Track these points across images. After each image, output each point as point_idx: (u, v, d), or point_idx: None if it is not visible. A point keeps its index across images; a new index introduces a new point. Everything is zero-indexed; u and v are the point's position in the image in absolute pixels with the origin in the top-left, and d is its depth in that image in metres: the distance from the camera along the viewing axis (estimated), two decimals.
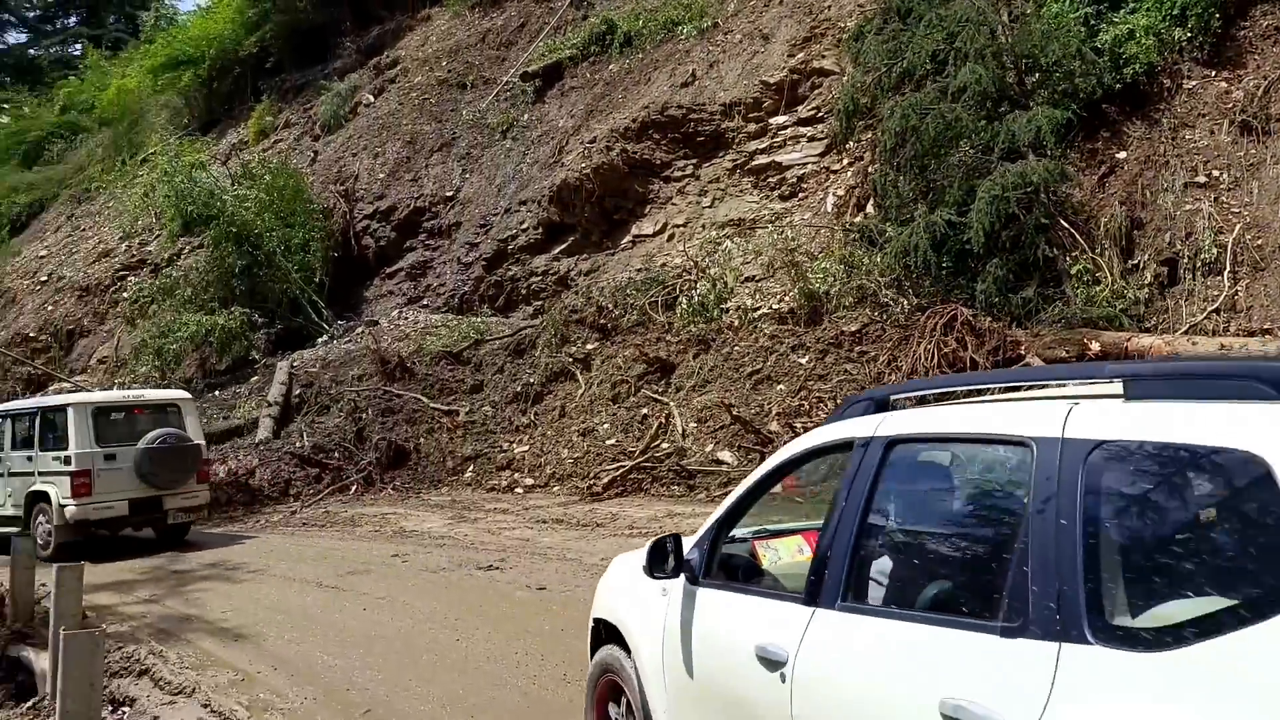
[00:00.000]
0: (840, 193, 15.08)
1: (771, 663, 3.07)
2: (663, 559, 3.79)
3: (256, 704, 6.07)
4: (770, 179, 16.46)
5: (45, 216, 33.09)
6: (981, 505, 2.96)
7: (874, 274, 12.78)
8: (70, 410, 12.34)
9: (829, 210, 15.01)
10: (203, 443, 13.38)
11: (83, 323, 26.25)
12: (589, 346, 15.73)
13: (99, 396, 14.06)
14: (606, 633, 4.44)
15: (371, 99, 25.20)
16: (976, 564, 2.80)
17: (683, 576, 3.75)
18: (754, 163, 16.75)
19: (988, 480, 2.92)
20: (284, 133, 27.35)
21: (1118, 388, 2.48)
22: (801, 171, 16.08)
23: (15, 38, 50.28)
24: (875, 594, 2.99)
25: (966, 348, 10.87)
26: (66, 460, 12.11)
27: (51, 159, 35.96)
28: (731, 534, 3.86)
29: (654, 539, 3.96)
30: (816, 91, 16.29)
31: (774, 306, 14.02)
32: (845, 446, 3.24)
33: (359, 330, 19.96)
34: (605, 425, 14.06)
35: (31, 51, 48.96)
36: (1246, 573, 2.02)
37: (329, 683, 6.45)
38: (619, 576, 4.53)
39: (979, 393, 3.41)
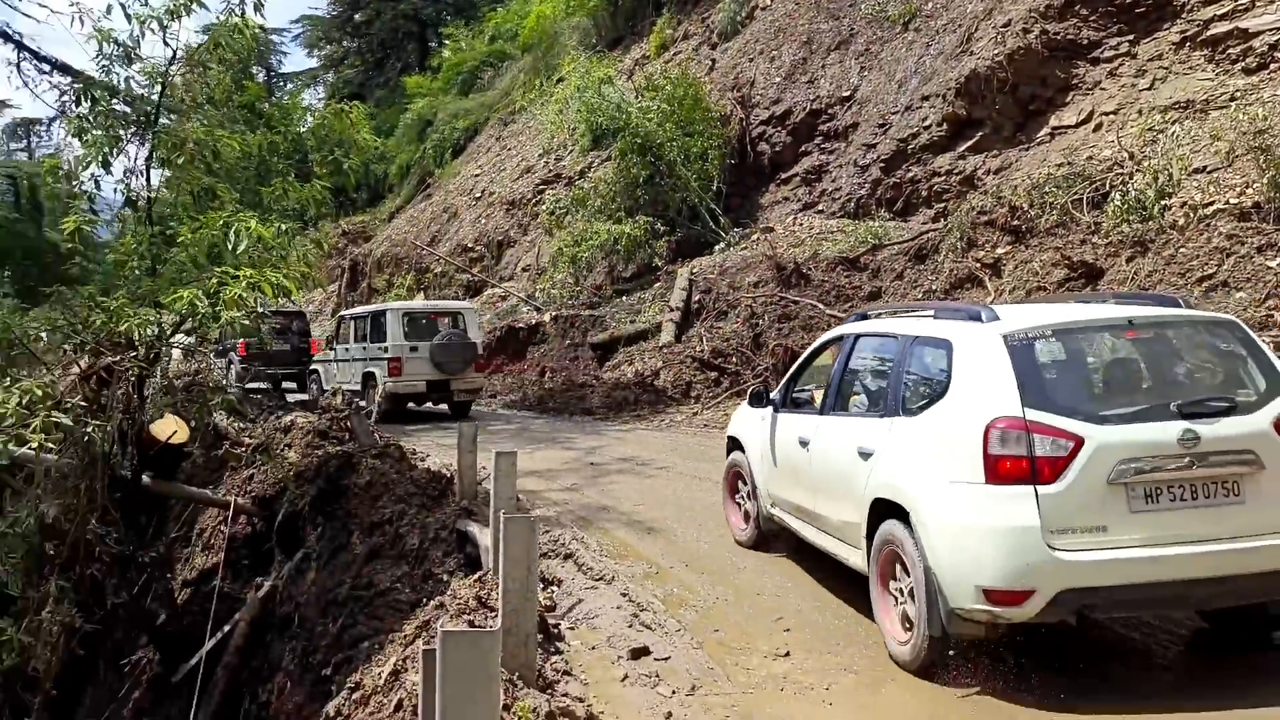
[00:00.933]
0: None
1: (804, 443, 6.25)
2: (761, 400, 7.12)
3: (671, 598, 6.23)
4: (1231, 50, 13.87)
5: (479, 139, 36.81)
6: (883, 365, 5.81)
7: None
8: (388, 314, 16.92)
9: None
10: (479, 341, 17.25)
11: (509, 234, 28.96)
12: (999, 250, 14.44)
13: (408, 305, 18.93)
14: (733, 444, 7.75)
15: (768, 1, 24.78)
16: (879, 389, 5.77)
17: (771, 407, 6.99)
18: (1209, 32, 14.20)
19: (887, 355, 5.79)
20: (683, 44, 27.84)
21: (932, 313, 5.67)
22: (1275, 38, 13.37)
23: None
24: (845, 405, 6.09)
25: None
26: (385, 350, 16.41)
27: (483, 86, 39.77)
28: (801, 385, 6.92)
29: (752, 388, 7.60)
30: None
31: (1233, 201, 11.87)
32: (841, 338, 6.49)
33: (754, 237, 20.02)
34: None
35: None
36: (933, 387, 5.16)
37: (739, 585, 6.47)
38: (740, 412, 7.80)
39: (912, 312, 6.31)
